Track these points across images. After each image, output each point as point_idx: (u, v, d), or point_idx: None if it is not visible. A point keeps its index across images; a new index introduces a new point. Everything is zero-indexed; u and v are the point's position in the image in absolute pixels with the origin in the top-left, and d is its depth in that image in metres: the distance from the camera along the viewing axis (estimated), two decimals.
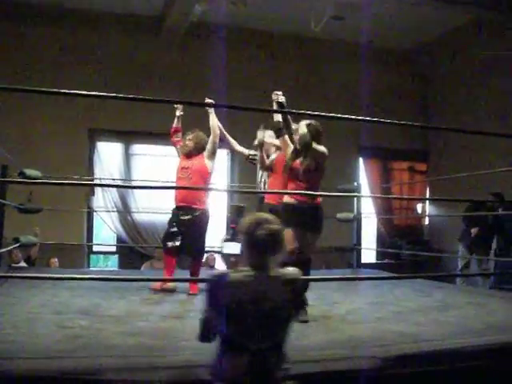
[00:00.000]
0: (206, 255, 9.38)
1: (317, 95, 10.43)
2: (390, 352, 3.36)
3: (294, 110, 3.96)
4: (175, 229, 5.61)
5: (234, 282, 2.35)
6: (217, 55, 9.34)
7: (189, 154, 5.73)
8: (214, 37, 9.47)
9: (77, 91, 3.69)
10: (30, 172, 6.05)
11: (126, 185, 10.24)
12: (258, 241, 2.38)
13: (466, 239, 8.48)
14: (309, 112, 4.02)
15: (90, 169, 9.70)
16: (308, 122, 4.51)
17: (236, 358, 2.31)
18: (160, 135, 9.84)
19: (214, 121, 5.62)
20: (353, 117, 4.42)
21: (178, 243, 5.58)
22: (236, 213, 6.22)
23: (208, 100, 5.38)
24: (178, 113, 5.93)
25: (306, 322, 4.14)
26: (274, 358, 2.35)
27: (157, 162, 9.71)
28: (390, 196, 11.42)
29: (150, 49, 9.86)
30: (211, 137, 5.65)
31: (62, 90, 3.58)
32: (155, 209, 8.71)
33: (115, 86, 8.75)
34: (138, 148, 10.06)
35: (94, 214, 9.86)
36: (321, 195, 4.58)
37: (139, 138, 9.99)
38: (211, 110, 5.62)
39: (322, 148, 4.50)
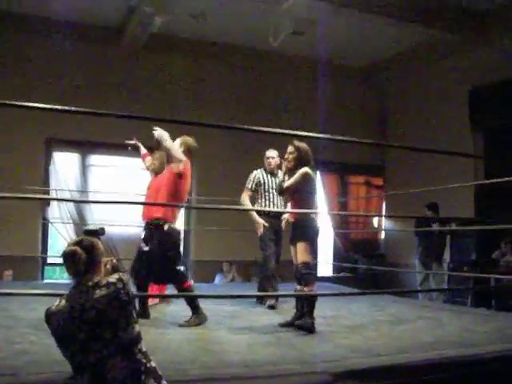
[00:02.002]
0: None
1: (274, 109, 10.51)
2: (341, 367, 3.39)
3: (246, 127, 3.97)
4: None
5: (52, 309, 2.51)
6: (176, 67, 9.37)
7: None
8: (173, 49, 9.47)
9: (33, 104, 3.59)
10: None
11: (83, 199, 10.05)
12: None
13: (419, 254, 8.64)
14: (266, 129, 4.01)
15: (45, 179, 9.54)
16: (296, 144, 4.91)
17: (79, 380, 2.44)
18: (117, 146, 9.76)
19: (169, 147, 5.10)
20: (307, 133, 4.47)
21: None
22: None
23: (156, 130, 5.07)
24: (135, 144, 6.14)
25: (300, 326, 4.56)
26: (124, 362, 2.38)
27: (114, 173, 9.61)
28: (342, 212, 11.52)
29: (110, 60, 9.78)
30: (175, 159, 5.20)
31: (18, 103, 3.51)
32: (112, 221, 8.61)
33: (74, 96, 8.68)
34: (95, 159, 9.94)
35: (49, 225, 9.69)
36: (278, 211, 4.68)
37: (96, 148, 9.86)
38: (165, 138, 5.04)
39: (302, 170, 4.83)
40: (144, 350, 2.49)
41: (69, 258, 2.52)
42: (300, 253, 4.74)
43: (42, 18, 9.06)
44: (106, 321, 2.40)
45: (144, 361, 2.44)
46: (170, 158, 5.23)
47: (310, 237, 4.82)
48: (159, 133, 5.05)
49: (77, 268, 2.50)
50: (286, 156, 4.98)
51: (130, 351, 2.42)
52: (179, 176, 5.02)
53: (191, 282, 5.21)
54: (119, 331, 2.41)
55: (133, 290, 2.64)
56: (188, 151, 5.16)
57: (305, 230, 4.78)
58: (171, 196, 5.03)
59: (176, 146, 5.08)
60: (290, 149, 4.94)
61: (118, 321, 2.42)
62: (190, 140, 5.23)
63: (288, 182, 4.85)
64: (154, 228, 5.05)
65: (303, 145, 4.94)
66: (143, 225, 5.35)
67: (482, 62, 9.48)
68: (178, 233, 5.24)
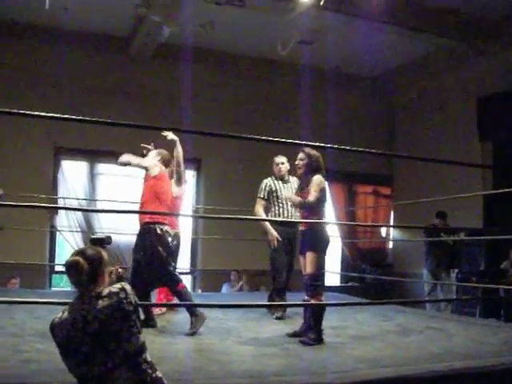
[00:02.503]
0: None
1: (282, 119, 10.51)
2: (349, 378, 3.37)
3: (257, 137, 3.97)
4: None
5: (56, 321, 2.47)
6: (184, 76, 9.38)
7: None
8: (181, 58, 9.50)
9: (42, 113, 3.62)
10: None
11: (91, 208, 10.07)
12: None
13: (427, 264, 8.61)
14: (273, 139, 4.03)
15: (54, 187, 9.57)
16: (307, 151, 4.85)
17: None
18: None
19: (178, 151, 5.69)
20: (316, 144, 4.45)
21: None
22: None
23: (169, 134, 5.56)
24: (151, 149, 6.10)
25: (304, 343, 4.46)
26: (129, 373, 2.35)
27: (122, 182, 9.62)
28: (349, 223, 11.48)
29: (118, 69, 9.84)
30: (175, 166, 5.79)
31: (27, 112, 3.54)
32: (119, 229, 8.62)
33: (83, 105, 8.72)
34: (103, 167, 9.97)
35: (57, 233, 9.71)
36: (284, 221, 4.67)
37: (105, 156, 9.89)
38: (178, 142, 5.67)
39: (316, 179, 4.74)
40: (149, 359, 2.46)
41: (71, 268, 2.48)
42: (308, 263, 4.66)
43: (52, 28, 9.12)
44: (109, 332, 2.36)
45: (149, 371, 2.41)
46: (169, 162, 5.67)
47: (320, 247, 4.73)
48: (173, 137, 5.56)
49: (79, 278, 2.46)
50: (296, 162, 4.94)
51: (134, 362, 2.38)
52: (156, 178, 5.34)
53: (184, 284, 5.21)
54: (123, 342, 2.37)
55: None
56: (163, 161, 5.50)
57: (315, 240, 4.70)
58: (153, 198, 5.24)
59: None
60: (301, 155, 4.89)
61: (121, 331, 2.38)
62: (165, 152, 5.57)
63: (311, 198, 4.68)
64: (146, 232, 5.11)
65: (314, 152, 4.87)
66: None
67: (490, 71, 9.48)
68: (172, 235, 5.29)
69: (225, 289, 9.61)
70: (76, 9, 8.48)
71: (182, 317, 5.66)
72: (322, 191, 4.77)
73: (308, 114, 10.71)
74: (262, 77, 10.81)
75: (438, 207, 8.45)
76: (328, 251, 4.88)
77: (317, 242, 4.70)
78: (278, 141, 4.02)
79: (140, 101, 9.73)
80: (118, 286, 2.49)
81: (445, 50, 9.77)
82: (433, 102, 10.87)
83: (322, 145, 4.52)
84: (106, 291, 2.45)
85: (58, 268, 9.78)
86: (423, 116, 11.12)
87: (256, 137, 4.10)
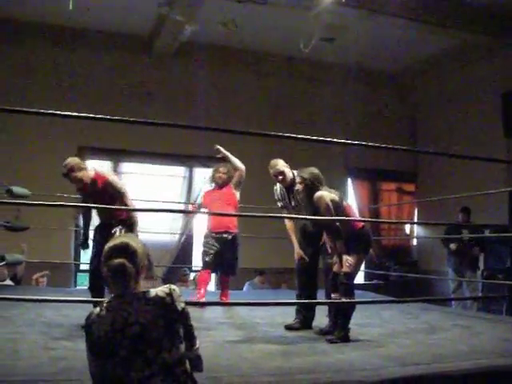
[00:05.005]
0: (192, 275, 9.43)
1: (305, 116, 10.48)
2: (376, 376, 3.35)
3: (280, 134, 3.96)
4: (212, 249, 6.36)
5: (94, 318, 2.27)
6: (207, 75, 9.41)
7: (221, 186, 6.55)
8: (204, 57, 9.52)
9: (66, 112, 3.68)
10: (17, 190, 6.00)
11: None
12: (109, 271, 2.32)
13: (450, 262, 8.53)
14: (298, 136, 4.02)
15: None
16: (301, 176, 4.79)
17: None
18: (149, 154, 9.88)
19: (234, 160, 6.46)
20: (341, 140, 4.45)
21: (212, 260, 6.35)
22: None
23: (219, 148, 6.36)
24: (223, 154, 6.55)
25: (331, 341, 4.42)
26: (166, 383, 2.20)
27: (146, 181, 9.68)
28: (373, 220, 11.39)
29: (140, 68, 9.89)
30: (238, 172, 6.49)
31: (51, 111, 3.58)
32: (144, 228, 8.66)
33: (105, 104, 8.77)
34: (127, 166, 10.03)
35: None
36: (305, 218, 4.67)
37: (128, 156, 9.95)
38: (227, 154, 6.42)
39: (317, 197, 4.63)
40: (189, 371, 2.30)
41: (117, 272, 2.28)
42: (348, 263, 4.53)
43: (74, 29, 9.21)
44: (150, 339, 2.21)
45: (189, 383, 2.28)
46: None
47: (362, 249, 4.66)
48: (224, 152, 6.35)
49: (125, 281, 2.28)
50: (296, 188, 4.92)
51: (173, 372, 2.23)
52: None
53: None
54: (163, 351, 2.22)
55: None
56: None
57: (358, 242, 4.61)
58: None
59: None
60: (297, 180, 4.85)
61: (162, 340, 2.23)
62: None
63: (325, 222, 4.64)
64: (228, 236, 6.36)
65: (308, 172, 4.74)
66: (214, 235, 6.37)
67: None
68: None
69: (246, 288, 9.58)
70: (98, 9, 8.55)
71: (208, 313, 5.70)
72: (331, 202, 4.60)
73: (330, 111, 10.69)
74: (284, 74, 10.78)
75: (463, 204, 8.37)
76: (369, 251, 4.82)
77: (360, 244, 4.61)
78: (300, 138, 4.01)
79: (161, 99, 9.77)
80: (166, 289, 2.32)
81: (468, 45, 9.66)
82: (456, 98, 10.76)
83: (347, 142, 4.51)
84: (151, 294, 2.30)
85: (82, 267, 9.87)
86: (447, 112, 11.00)
87: (277, 134, 4.09)
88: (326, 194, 4.63)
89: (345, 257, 4.56)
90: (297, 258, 5.33)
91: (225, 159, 6.51)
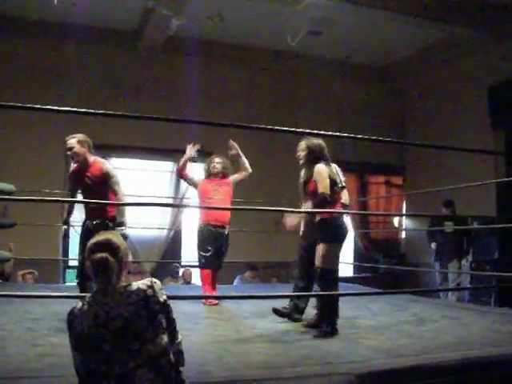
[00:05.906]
0: (182, 270, 9.41)
1: (293, 110, 10.48)
2: (365, 368, 3.35)
3: (269, 127, 3.95)
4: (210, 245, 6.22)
5: (76, 312, 2.31)
6: (194, 69, 9.37)
7: (221, 177, 6.45)
8: (191, 51, 9.48)
9: (52, 107, 3.65)
10: (2, 186, 5.96)
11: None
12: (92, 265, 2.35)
13: (436, 255, 8.57)
14: (284, 128, 4.01)
15: (66, 183, 9.58)
16: (306, 142, 4.67)
17: None
18: (137, 149, 9.84)
19: (244, 160, 6.53)
20: (328, 133, 4.43)
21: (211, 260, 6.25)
22: None
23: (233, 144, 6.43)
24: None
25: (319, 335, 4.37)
26: (151, 374, 2.22)
27: (135, 176, 9.63)
28: (361, 212, 11.43)
29: (127, 63, 9.84)
30: (244, 172, 6.54)
31: (36, 106, 3.55)
32: (131, 224, 8.63)
33: (92, 99, 8.73)
34: (114, 161, 9.97)
35: (71, 228, 9.71)
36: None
37: (116, 151, 9.89)
38: (240, 153, 6.49)
39: (316, 168, 4.55)
40: (173, 361, 2.33)
41: (99, 266, 2.30)
42: (321, 255, 4.46)
43: (60, 23, 9.12)
44: (133, 331, 2.23)
45: (173, 374, 2.30)
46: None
47: (335, 238, 4.54)
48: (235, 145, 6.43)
49: (107, 276, 2.29)
50: (297, 154, 4.77)
51: (157, 363, 2.25)
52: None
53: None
54: (147, 343, 2.24)
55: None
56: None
57: (329, 230, 4.49)
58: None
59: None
60: (301, 146, 4.73)
61: (145, 332, 2.25)
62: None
63: (321, 189, 4.47)
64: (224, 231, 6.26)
65: (314, 141, 4.66)
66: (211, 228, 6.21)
67: (501, 58, 9.36)
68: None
69: (236, 282, 9.58)
70: (84, 3, 8.48)
71: (195, 307, 5.69)
72: (329, 178, 4.54)
73: (319, 104, 10.70)
74: (272, 68, 10.76)
75: (451, 196, 8.39)
76: (345, 242, 4.66)
77: (331, 232, 4.49)
78: (287, 131, 3.99)
79: (149, 94, 9.73)
80: (147, 282, 2.36)
81: (455, 38, 9.67)
82: (444, 91, 10.79)
83: (335, 134, 4.50)
84: (133, 287, 2.32)
85: (71, 263, 9.83)
86: (434, 105, 11.03)
87: (264, 127, 4.09)
88: (326, 170, 4.56)
89: (317, 251, 4.50)
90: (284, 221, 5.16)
91: (236, 156, 6.53)
